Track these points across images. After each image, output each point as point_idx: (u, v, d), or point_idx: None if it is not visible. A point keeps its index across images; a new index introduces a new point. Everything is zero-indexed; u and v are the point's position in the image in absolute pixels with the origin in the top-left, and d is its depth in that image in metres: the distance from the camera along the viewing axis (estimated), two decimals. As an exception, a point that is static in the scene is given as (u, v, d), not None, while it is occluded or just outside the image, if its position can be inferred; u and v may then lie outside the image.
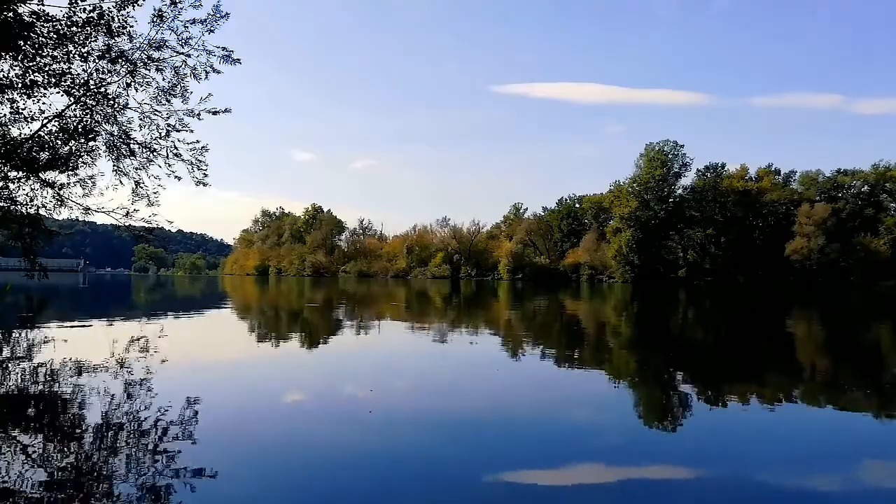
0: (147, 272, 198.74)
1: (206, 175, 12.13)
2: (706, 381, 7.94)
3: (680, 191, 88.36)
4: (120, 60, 11.00)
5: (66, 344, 10.25)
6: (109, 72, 11.13)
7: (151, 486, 3.67)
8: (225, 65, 11.57)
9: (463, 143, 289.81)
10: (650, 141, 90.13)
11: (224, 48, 11.46)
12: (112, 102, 11.46)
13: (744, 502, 3.73)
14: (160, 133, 11.76)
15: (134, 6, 10.60)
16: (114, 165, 11.96)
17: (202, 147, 12.04)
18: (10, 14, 9.83)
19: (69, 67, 10.72)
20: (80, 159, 11.76)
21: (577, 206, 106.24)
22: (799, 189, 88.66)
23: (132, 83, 11.36)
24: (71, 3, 10.20)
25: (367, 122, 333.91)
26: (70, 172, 11.77)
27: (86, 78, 10.98)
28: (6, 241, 13.04)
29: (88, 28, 10.48)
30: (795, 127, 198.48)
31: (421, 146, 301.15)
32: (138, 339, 11.17)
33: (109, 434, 4.77)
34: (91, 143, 11.75)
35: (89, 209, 12.02)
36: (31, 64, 10.37)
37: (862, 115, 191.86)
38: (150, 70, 11.30)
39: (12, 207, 11.65)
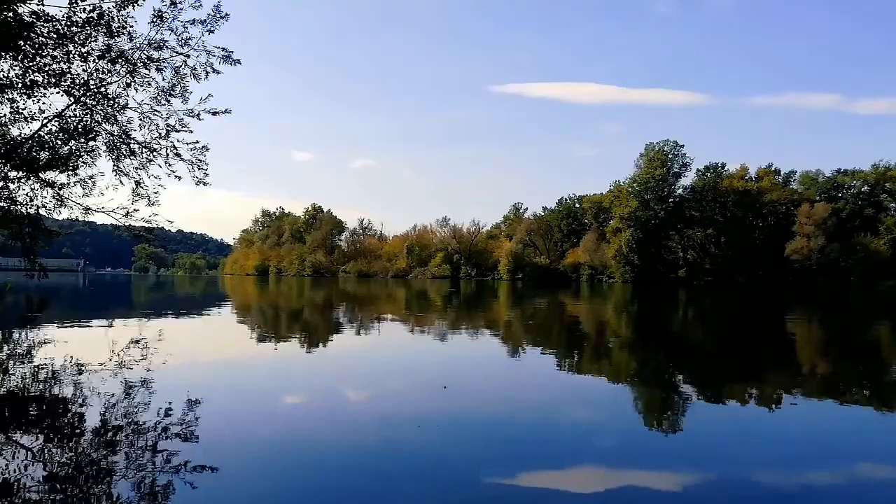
0: (147, 272, 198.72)
1: (206, 175, 12.12)
2: (706, 382, 7.94)
3: (680, 191, 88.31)
4: (120, 60, 10.99)
5: (66, 344, 10.24)
6: (109, 72, 11.12)
7: (152, 485, 3.67)
8: (225, 65, 11.56)
9: (463, 143, 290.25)
10: (650, 141, 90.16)
11: (224, 48, 11.45)
12: (112, 102, 11.45)
13: (743, 503, 3.73)
14: (160, 133, 11.76)
15: (134, 6, 10.58)
16: (114, 165, 11.96)
17: (202, 147, 12.04)
18: (10, 14, 9.82)
19: (69, 67, 10.71)
20: (80, 159, 11.75)
21: (577, 206, 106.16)
22: (799, 189, 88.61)
23: (132, 83, 11.35)
24: (71, 3, 10.19)
25: (367, 122, 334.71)
26: (70, 172, 11.76)
27: (86, 78, 10.97)
28: (6, 241, 13.03)
29: (88, 28, 10.47)
30: (795, 127, 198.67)
31: (421, 146, 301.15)
32: (138, 340, 11.17)
33: (110, 434, 4.77)
34: (91, 143, 11.74)
35: (89, 209, 12.01)
36: (31, 64, 10.36)
37: (861, 115, 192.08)
38: (150, 70, 11.28)
39: (12, 207, 11.63)
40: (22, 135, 11.21)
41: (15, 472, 3.87)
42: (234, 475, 3.96)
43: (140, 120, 11.70)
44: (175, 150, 11.86)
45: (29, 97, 10.69)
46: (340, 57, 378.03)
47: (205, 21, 11.01)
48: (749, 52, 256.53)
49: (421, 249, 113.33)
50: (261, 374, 8.06)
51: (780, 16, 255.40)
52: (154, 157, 11.93)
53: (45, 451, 4.35)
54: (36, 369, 7.57)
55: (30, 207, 11.82)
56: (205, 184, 12.16)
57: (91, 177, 12.02)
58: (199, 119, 11.68)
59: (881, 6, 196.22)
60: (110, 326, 14.22)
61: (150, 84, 11.42)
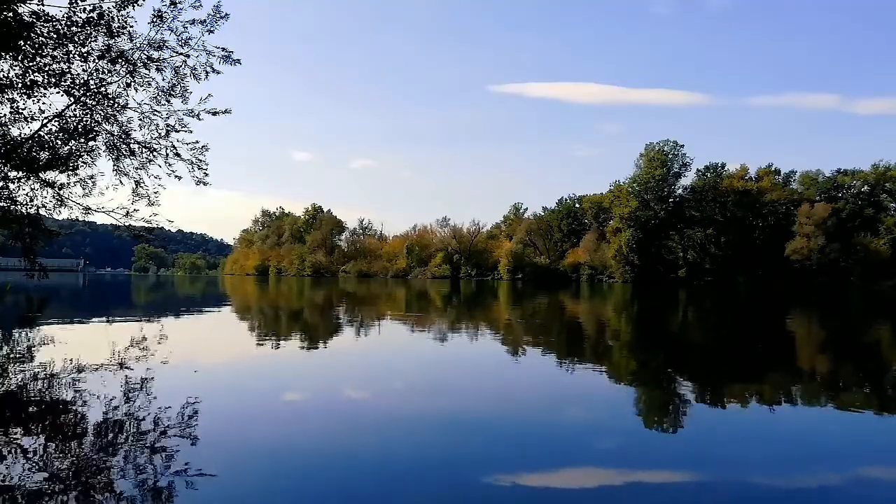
0: (147, 272, 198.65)
1: (206, 174, 12.12)
2: (705, 382, 7.94)
3: (680, 191, 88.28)
4: (120, 60, 10.99)
5: (66, 344, 10.25)
6: (109, 72, 11.12)
7: (152, 486, 3.67)
8: (225, 65, 11.56)
9: (463, 143, 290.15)
10: (650, 141, 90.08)
11: (224, 48, 11.44)
12: (112, 102, 11.45)
13: (743, 502, 3.73)
14: (160, 133, 11.76)
15: (134, 6, 10.59)
16: (114, 165, 11.96)
17: (202, 146, 12.04)
18: (10, 14, 9.82)
19: (69, 67, 10.71)
20: (80, 159, 11.74)
21: (577, 206, 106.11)
22: (799, 189, 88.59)
23: (132, 83, 11.35)
24: (71, 3, 10.20)
25: (367, 122, 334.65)
26: (70, 172, 11.75)
27: (86, 78, 10.97)
28: (6, 241, 13.03)
29: (88, 28, 10.47)
30: (795, 127, 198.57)
31: (421, 146, 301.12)
32: (138, 340, 11.17)
33: (110, 434, 4.77)
34: (91, 143, 11.73)
35: (89, 209, 12.00)
36: (31, 64, 10.36)
37: (861, 115, 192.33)
38: (150, 70, 11.28)
39: (12, 207, 11.63)
40: (22, 135, 11.21)
41: (14, 472, 3.87)
42: (234, 475, 3.96)
43: (140, 120, 11.71)
44: (175, 150, 11.86)
45: (29, 97, 10.69)
46: (340, 57, 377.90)
47: (205, 21, 11.01)
48: (749, 52, 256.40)
49: (421, 249, 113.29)
50: (261, 375, 8.06)
51: (779, 16, 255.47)
52: (154, 157, 11.94)
53: (45, 452, 4.35)
54: (36, 369, 7.56)
55: (30, 207, 11.82)
56: (205, 184, 12.17)
57: (91, 177, 12.02)
58: (199, 119, 11.69)
59: (881, 6, 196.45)
60: (110, 326, 14.22)
61: (150, 84, 11.43)
